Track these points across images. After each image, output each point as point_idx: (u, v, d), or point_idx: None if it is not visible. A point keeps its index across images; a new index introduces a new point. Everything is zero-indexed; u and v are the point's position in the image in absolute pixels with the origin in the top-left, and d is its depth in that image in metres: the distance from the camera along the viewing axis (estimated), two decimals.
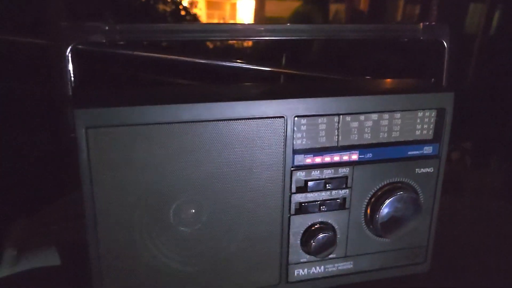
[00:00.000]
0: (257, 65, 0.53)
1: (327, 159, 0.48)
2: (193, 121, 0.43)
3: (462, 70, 0.96)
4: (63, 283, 0.52)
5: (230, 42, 0.56)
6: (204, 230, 0.47)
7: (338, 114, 0.47)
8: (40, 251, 0.55)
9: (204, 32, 0.45)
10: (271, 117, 0.44)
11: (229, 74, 0.54)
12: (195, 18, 0.84)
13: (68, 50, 0.41)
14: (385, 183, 0.50)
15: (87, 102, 0.41)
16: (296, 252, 0.50)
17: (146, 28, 0.43)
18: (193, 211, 0.46)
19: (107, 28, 0.42)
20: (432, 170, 0.51)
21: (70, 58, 0.42)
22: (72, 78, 0.42)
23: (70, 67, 0.42)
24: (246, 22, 0.54)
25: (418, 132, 0.50)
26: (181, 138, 0.43)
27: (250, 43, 0.53)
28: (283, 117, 0.45)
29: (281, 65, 0.55)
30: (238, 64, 0.52)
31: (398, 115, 0.49)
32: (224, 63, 0.52)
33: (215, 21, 1.04)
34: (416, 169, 0.50)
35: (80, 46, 0.42)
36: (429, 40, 0.49)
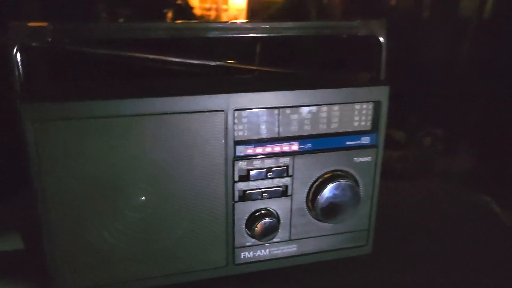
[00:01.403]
0: (202, 60, 0.55)
1: (268, 149, 0.51)
2: (138, 115, 0.46)
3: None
4: (27, 265, 0.55)
5: (177, 39, 0.58)
6: (152, 216, 0.50)
7: (278, 107, 0.49)
8: (2, 235, 0.58)
9: (141, 30, 0.47)
10: (211, 111, 0.47)
11: (175, 68, 0.57)
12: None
13: (15, 49, 0.43)
14: (325, 171, 0.53)
15: (34, 97, 0.43)
16: (242, 236, 0.53)
17: (90, 27, 0.45)
18: (143, 198, 0.49)
19: (52, 28, 0.44)
20: (370, 159, 0.54)
21: (17, 57, 0.44)
22: (21, 75, 0.45)
23: (18, 64, 0.44)
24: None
25: (356, 124, 0.53)
26: (127, 131, 0.46)
27: (197, 40, 0.56)
28: (222, 110, 0.47)
29: (226, 60, 0.58)
30: (183, 60, 0.54)
31: (336, 107, 0.51)
32: (169, 59, 0.55)
33: None
34: (355, 158, 0.53)
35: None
36: (366, 36, 0.52)
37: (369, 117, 0.53)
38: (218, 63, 0.53)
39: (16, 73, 0.44)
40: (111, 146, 0.46)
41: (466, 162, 1.09)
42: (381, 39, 0.52)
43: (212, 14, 0.86)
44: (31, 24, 0.44)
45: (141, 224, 0.50)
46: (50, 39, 0.44)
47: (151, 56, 0.56)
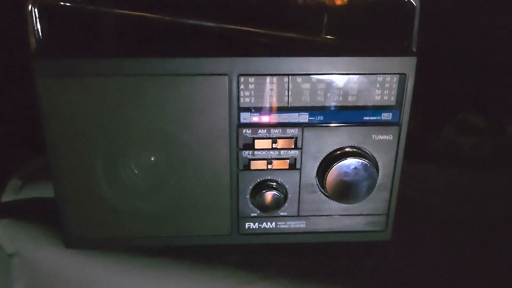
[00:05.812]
0: (218, 23, 0.53)
1: (275, 118, 0.48)
2: (140, 75, 0.45)
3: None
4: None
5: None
6: (159, 178, 0.50)
7: (288, 75, 0.46)
8: (40, 184, 0.63)
9: None
10: (214, 74, 0.46)
11: (190, 30, 0.55)
12: None
13: (30, 5, 0.45)
14: (338, 147, 0.49)
15: (46, 54, 0.45)
16: (247, 207, 0.52)
17: None
18: (152, 159, 0.50)
19: None
20: (391, 137, 0.49)
21: (33, 13, 0.46)
22: (38, 33, 0.47)
23: (33, 21, 0.46)
24: None
25: (378, 97, 0.48)
26: (130, 90, 0.46)
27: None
28: (226, 75, 0.46)
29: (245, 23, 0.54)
30: (198, 22, 0.52)
31: (355, 78, 0.47)
32: (183, 20, 0.53)
33: None
34: (373, 136, 0.49)
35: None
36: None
37: (393, 91, 0.47)
38: (232, 26, 0.51)
39: (32, 31, 0.46)
40: (115, 104, 0.47)
41: None
42: (414, 2, 0.46)
43: None
44: None
45: (147, 183, 0.51)
46: None
47: (166, 17, 0.55)
